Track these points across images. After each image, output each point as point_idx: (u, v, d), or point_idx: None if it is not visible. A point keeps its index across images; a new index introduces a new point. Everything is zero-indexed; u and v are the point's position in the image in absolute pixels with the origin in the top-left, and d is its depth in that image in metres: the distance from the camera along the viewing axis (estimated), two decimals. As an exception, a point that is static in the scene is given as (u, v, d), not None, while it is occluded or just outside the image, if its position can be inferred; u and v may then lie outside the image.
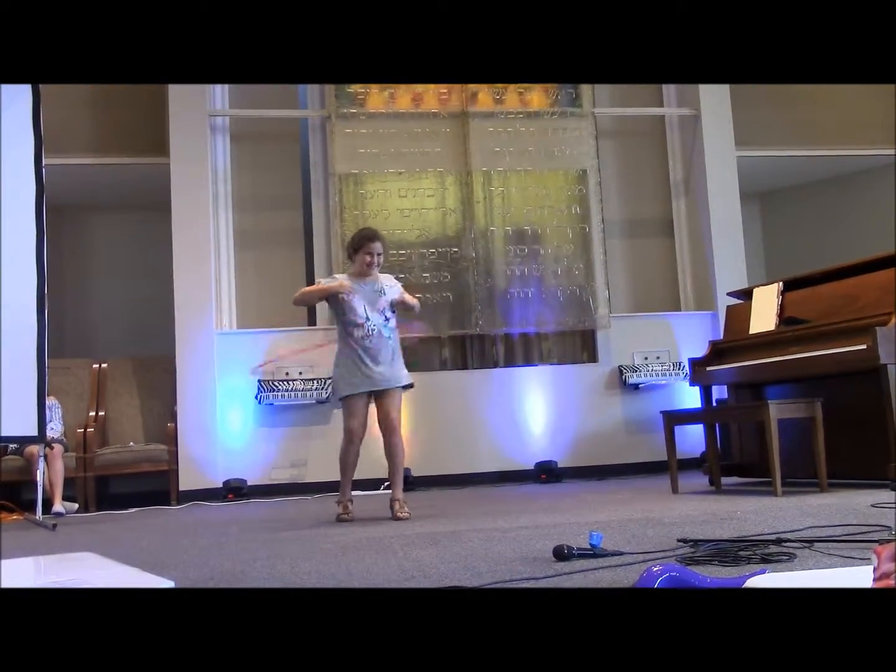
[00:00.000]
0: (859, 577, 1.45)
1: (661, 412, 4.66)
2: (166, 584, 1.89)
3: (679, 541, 2.48)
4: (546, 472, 6.12)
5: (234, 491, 5.92)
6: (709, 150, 6.91)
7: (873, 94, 7.29)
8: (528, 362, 6.65)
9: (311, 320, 6.60)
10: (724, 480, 4.71)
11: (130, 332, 7.16)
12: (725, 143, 6.95)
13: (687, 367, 5.43)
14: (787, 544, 2.34)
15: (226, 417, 6.20)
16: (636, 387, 6.52)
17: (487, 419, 6.39)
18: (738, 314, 4.93)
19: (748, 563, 2.10)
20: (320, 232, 6.65)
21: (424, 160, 6.58)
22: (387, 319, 4.14)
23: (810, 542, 2.36)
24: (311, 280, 6.40)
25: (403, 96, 6.63)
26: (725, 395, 5.19)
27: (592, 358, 6.70)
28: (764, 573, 1.75)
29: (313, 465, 6.17)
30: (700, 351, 5.17)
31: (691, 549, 2.34)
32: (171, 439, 6.08)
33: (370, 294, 4.16)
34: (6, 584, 1.76)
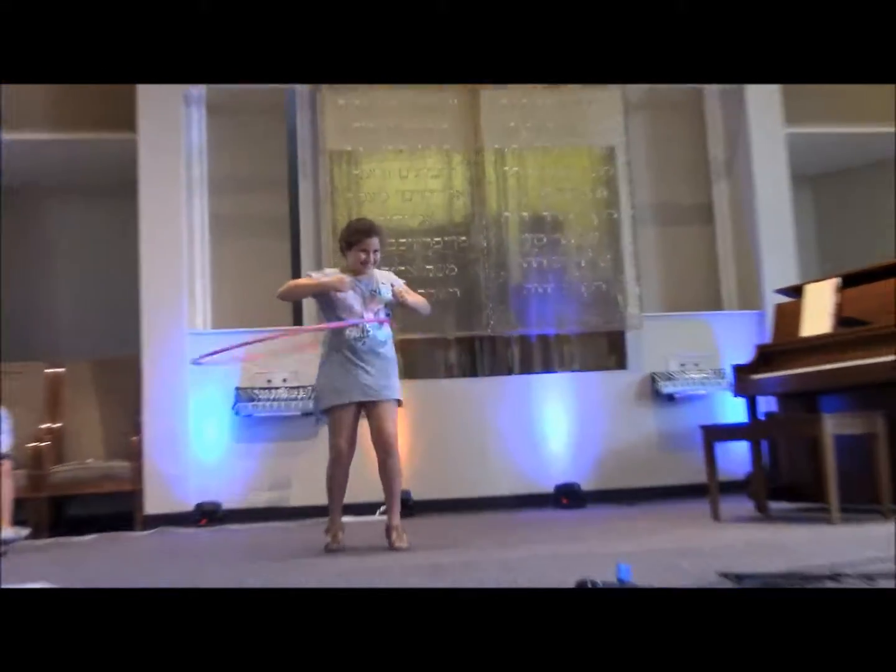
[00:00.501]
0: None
1: (700, 427, 4.66)
2: None
3: (720, 575, 2.48)
4: (568, 496, 6.13)
5: (208, 515, 5.93)
6: (755, 126, 6.90)
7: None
8: (547, 368, 6.64)
9: (297, 319, 6.60)
10: (772, 505, 4.70)
11: (90, 332, 7.15)
12: (773, 119, 6.93)
13: (730, 375, 5.43)
14: (845, 580, 2.34)
15: (199, 430, 6.20)
16: (671, 397, 6.51)
17: (500, 434, 6.38)
18: (788, 314, 4.92)
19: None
20: (308, 218, 6.65)
21: (428, 136, 6.59)
22: (381, 323, 4.17)
23: (872, 577, 2.35)
24: (297, 274, 6.40)
25: (404, 63, 6.64)
26: (774, 408, 5.18)
27: (621, 364, 6.69)
28: None
29: (298, 487, 6.17)
30: (745, 356, 5.17)
31: (734, 584, 2.33)
32: (136, 455, 6.08)
33: (365, 293, 4.19)
34: None
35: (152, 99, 6.34)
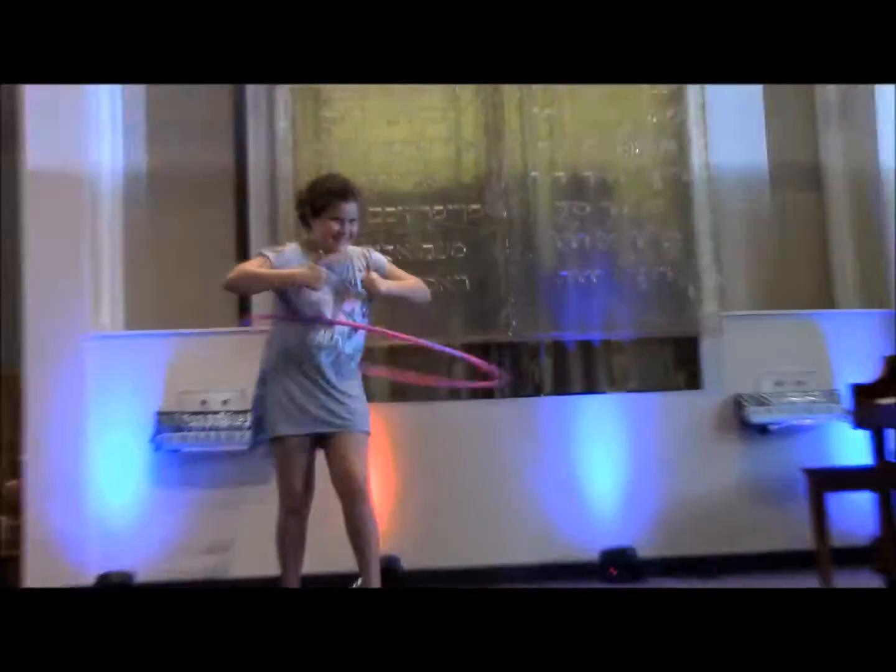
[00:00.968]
0: None
1: (805, 471, 4.72)
2: None
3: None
4: (618, 565, 6.09)
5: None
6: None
7: None
8: (591, 388, 6.61)
9: (245, 312, 6.50)
10: (911, 583, 4.75)
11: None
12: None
13: (847, 398, 5.39)
14: None
15: (103, 472, 6.13)
16: (764, 429, 6.45)
17: (523, 480, 6.32)
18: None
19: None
20: (260, 175, 6.62)
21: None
22: (354, 329, 4.25)
23: None
24: (243, 252, 6.37)
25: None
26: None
27: (693, 382, 6.66)
28: None
29: (243, 551, 6.10)
30: (868, 372, 5.20)
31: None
32: (14, 507, 6.05)
33: (338, 285, 4.26)
34: None
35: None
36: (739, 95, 7.12)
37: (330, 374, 4.18)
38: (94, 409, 6.12)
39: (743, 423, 6.44)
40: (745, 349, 6.57)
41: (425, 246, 6.45)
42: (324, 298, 4.21)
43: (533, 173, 6.58)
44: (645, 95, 6.75)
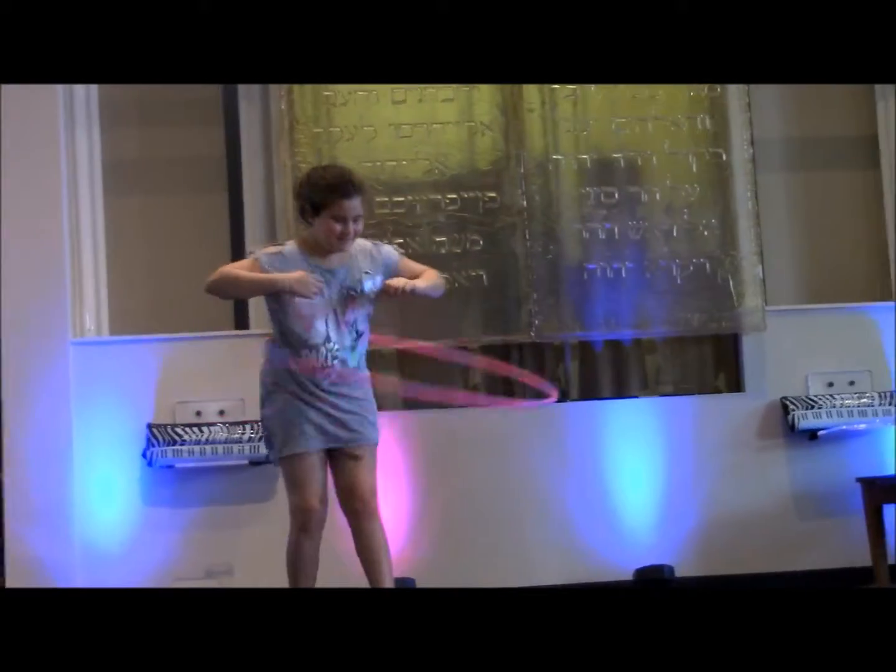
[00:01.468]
0: None
1: (859, 480, 4.71)
2: None
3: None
4: (655, 586, 6.10)
5: (105, 619, 5.89)
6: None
7: None
8: (621, 392, 6.63)
9: (242, 322, 6.60)
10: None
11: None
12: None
13: None
14: None
15: (90, 490, 6.16)
16: (813, 435, 6.45)
17: (548, 492, 6.35)
18: None
19: None
20: (255, 164, 6.65)
21: (437, 40, 6.59)
22: (358, 337, 4.26)
23: None
24: (237, 248, 6.40)
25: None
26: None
27: (735, 384, 6.66)
28: None
29: (245, 574, 6.13)
30: None
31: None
32: (-7, 529, 6.03)
33: (338, 293, 4.23)
34: None
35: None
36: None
37: (333, 391, 4.20)
38: (79, 422, 6.12)
39: (789, 429, 6.40)
40: (791, 347, 6.55)
41: (438, 238, 6.42)
42: (317, 312, 4.20)
43: (555, 156, 6.54)
44: (678, 69, 6.82)
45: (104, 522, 6.18)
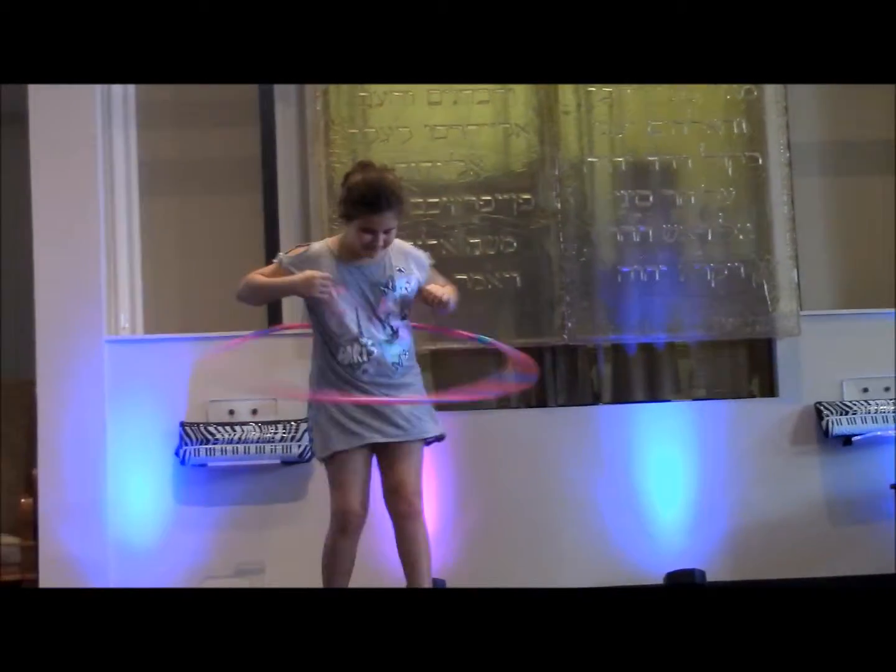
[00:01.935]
0: None
1: (894, 487, 4.80)
2: None
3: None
4: (685, 590, 5.95)
5: (137, 617, 5.92)
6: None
7: None
8: (654, 396, 6.64)
9: (275, 321, 6.60)
10: None
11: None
12: None
13: None
14: None
15: (124, 488, 6.21)
16: (848, 440, 6.42)
17: (581, 495, 6.37)
18: None
19: None
20: (290, 165, 6.67)
21: (473, 42, 6.60)
22: (394, 333, 4.25)
23: None
24: (272, 249, 6.32)
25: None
26: None
27: (768, 389, 6.65)
28: None
29: (277, 573, 6.17)
30: None
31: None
32: (28, 526, 6.09)
33: (367, 288, 4.25)
34: None
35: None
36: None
37: (373, 388, 4.20)
38: (113, 421, 6.17)
39: (823, 434, 6.38)
40: (826, 352, 6.52)
41: (472, 241, 6.42)
42: (347, 307, 4.21)
43: (590, 159, 6.54)
44: (715, 72, 6.79)
45: (137, 520, 6.22)
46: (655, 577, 6.21)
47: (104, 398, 6.20)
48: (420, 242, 5.60)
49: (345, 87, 6.48)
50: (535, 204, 6.53)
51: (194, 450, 6.14)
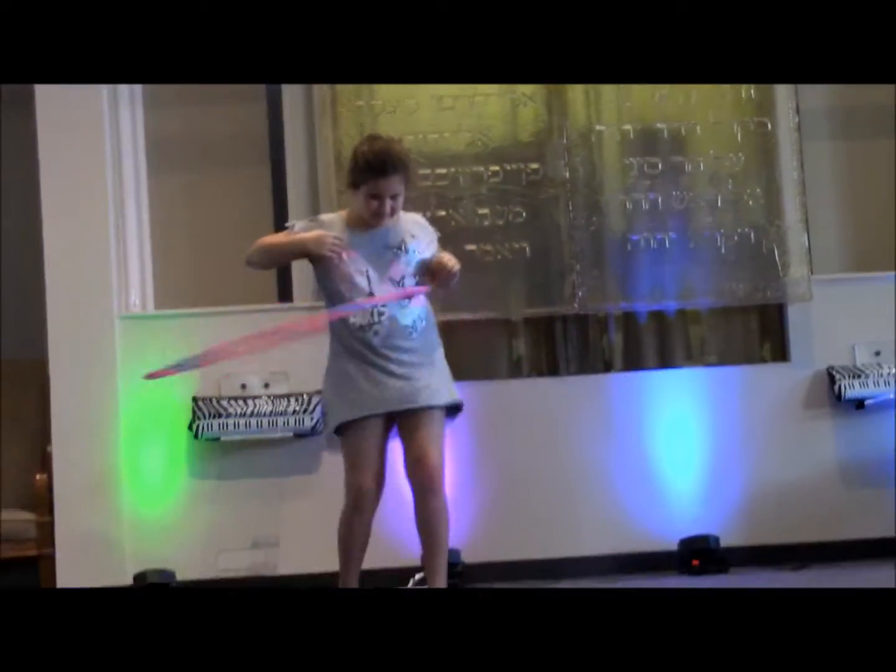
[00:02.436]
0: None
1: None
2: None
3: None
4: (700, 556, 6.11)
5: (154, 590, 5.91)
6: None
7: None
8: (666, 363, 6.63)
9: (285, 294, 6.65)
10: None
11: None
12: None
13: None
14: None
15: (137, 462, 6.26)
16: (860, 404, 6.44)
17: (593, 463, 6.40)
18: None
19: None
20: (297, 138, 6.66)
21: (479, 11, 6.59)
22: (406, 299, 4.22)
23: None
24: (281, 225, 6.28)
25: None
26: None
27: (780, 354, 6.65)
28: None
29: (291, 547, 6.22)
30: None
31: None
32: (43, 502, 6.11)
33: (378, 252, 4.24)
34: None
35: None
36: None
37: (387, 351, 4.14)
38: (125, 396, 6.22)
39: (836, 398, 6.39)
40: (838, 316, 6.52)
41: (480, 211, 6.41)
42: (357, 267, 4.19)
43: (598, 127, 6.53)
44: (722, 37, 6.76)
45: (151, 495, 6.26)
46: (669, 543, 6.24)
47: (116, 375, 6.23)
48: (429, 213, 5.58)
49: (351, 60, 6.45)
50: (543, 173, 6.52)
51: (207, 424, 6.18)
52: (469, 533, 6.08)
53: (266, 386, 6.32)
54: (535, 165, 6.53)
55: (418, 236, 4.31)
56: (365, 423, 4.16)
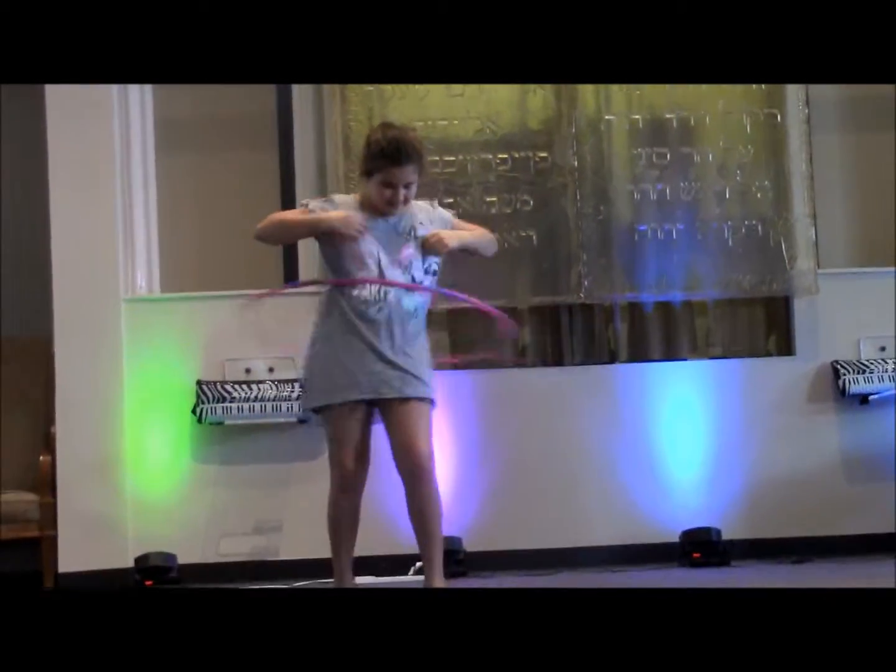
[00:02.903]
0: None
1: None
2: None
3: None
4: (702, 549, 6.10)
5: (155, 574, 5.94)
6: None
7: None
8: (671, 354, 6.64)
9: (291, 280, 6.59)
10: None
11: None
12: None
13: None
14: None
15: (141, 446, 6.26)
16: (865, 399, 6.44)
17: (598, 453, 6.40)
18: None
19: None
20: (306, 122, 6.67)
21: None
22: (413, 281, 4.20)
23: None
24: (289, 204, 6.37)
25: None
26: None
27: (785, 348, 6.65)
28: None
29: (293, 532, 6.23)
30: None
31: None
32: (47, 483, 6.12)
33: (389, 237, 4.21)
34: None
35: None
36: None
37: (384, 332, 4.09)
38: (130, 379, 6.22)
39: (840, 393, 6.39)
40: (844, 311, 6.52)
41: (488, 199, 6.42)
42: (369, 249, 4.14)
43: (607, 116, 6.53)
44: (733, 27, 6.75)
45: (154, 478, 6.27)
46: (671, 534, 6.24)
47: (122, 357, 6.24)
48: (436, 201, 5.48)
49: (361, 45, 6.44)
50: (551, 162, 6.53)
51: (211, 408, 6.17)
52: (472, 521, 6.09)
53: (271, 370, 6.33)
54: (543, 154, 6.54)
55: (425, 222, 4.26)
56: (346, 407, 4.11)
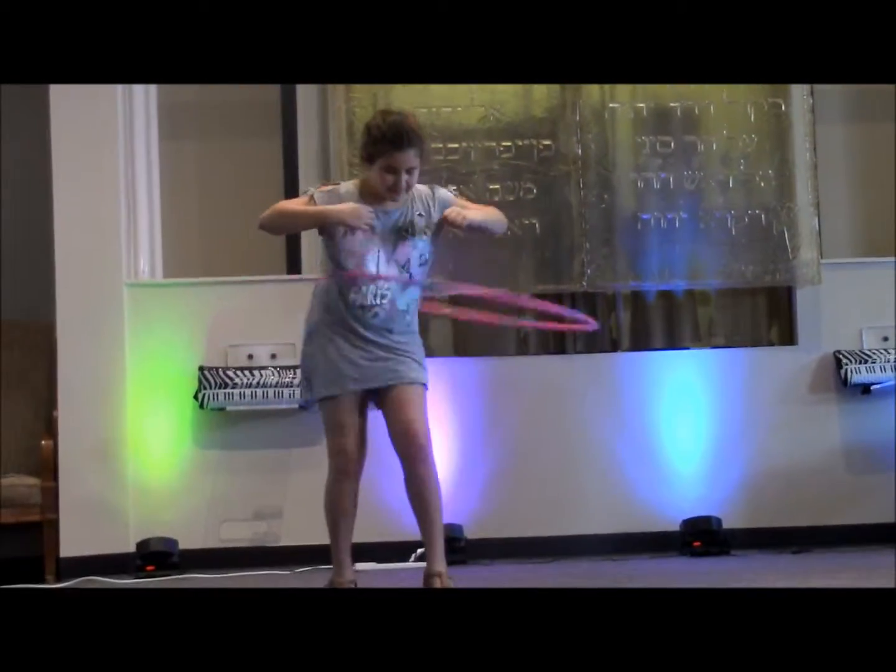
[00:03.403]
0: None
1: None
2: None
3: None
4: (702, 537, 6.11)
5: (157, 559, 5.94)
6: None
7: None
8: (673, 343, 6.65)
9: (294, 266, 6.65)
10: None
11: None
12: None
13: None
14: None
15: (143, 431, 6.27)
16: (866, 389, 6.44)
17: (598, 442, 6.40)
18: None
19: None
20: (309, 109, 6.67)
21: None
22: (410, 277, 4.19)
23: None
24: (292, 191, 6.36)
25: None
26: None
27: (788, 337, 6.66)
28: None
29: (293, 518, 6.23)
30: None
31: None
32: (48, 467, 6.12)
33: (387, 232, 4.19)
34: None
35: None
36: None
37: (379, 333, 4.12)
38: (132, 364, 6.22)
39: (842, 383, 6.39)
40: (846, 301, 6.52)
41: (492, 186, 6.41)
42: (369, 248, 4.11)
43: (611, 105, 6.53)
44: (737, 16, 6.73)
45: (156, 463, 6.27)
46: (672, 523, 6.25)
47: (124, 342, 6.24)
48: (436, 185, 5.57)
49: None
50: (555, 150, 6.52)
51: (213, 394, 6.17)
52: (473, 509, 6.11)
53: (273, 357, 6.32)
54: (547, 142, 6.53)
55: (426, 215, 4.20)
56: (345, 396, 4.11)
